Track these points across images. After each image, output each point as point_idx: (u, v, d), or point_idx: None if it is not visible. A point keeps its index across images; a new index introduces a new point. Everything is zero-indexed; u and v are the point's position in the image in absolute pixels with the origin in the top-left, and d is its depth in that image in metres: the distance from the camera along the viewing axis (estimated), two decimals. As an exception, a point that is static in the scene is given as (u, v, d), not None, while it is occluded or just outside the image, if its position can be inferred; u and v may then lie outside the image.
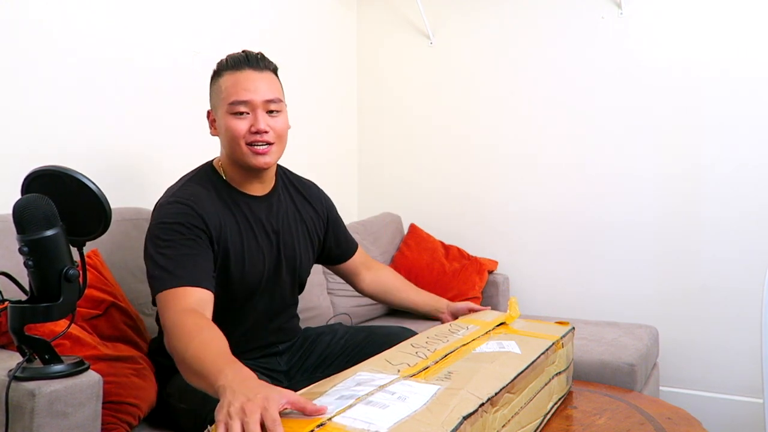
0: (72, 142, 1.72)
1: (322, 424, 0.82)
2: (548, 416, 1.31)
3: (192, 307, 1.21)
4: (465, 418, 0.87)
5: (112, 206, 1.14)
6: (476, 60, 2.78)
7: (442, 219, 2.84)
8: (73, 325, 1.22)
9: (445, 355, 1.19)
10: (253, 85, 1.38)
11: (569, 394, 1.53)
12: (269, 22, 2.43)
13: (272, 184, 1.53)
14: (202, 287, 1.26)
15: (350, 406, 0.87)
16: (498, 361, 1.15)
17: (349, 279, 1.79)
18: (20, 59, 1.60)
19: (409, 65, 2.92)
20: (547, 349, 1.30)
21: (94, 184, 1.11)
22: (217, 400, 0.94)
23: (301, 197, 1.61)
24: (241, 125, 1.38)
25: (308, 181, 1.69)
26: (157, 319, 1.47)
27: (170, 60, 2.00)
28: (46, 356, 1.09)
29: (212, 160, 1.50)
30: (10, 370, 1.07)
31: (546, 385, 1.28)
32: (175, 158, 1.96)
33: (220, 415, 0.89)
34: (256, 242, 1.45)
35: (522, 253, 2.70)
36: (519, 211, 2.72)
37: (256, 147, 1.38)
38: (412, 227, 2.81)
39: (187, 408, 1.30)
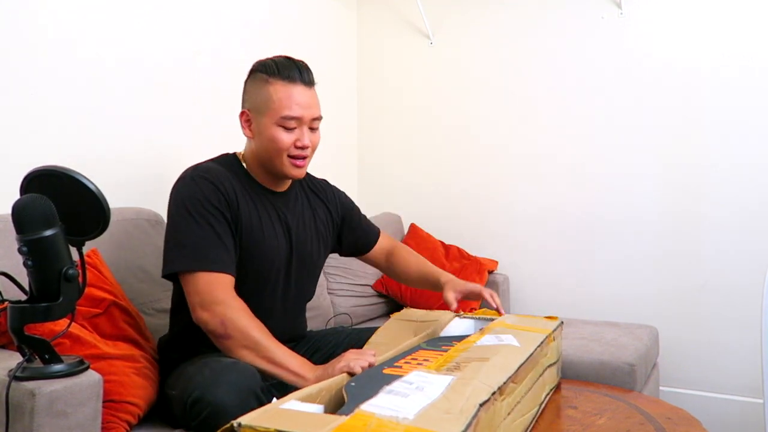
0: (71, 141, 1.72)
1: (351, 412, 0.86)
2: (543, 405, 1.37)
3: (232, 290, 1.34)
4: (481, 405, 0.92)
5: (112, 206, 1.15)
6: (476, 60, 2.78)
7: (442, 219, 2.84)
8: (73, 324, 1.22)
9: (446, 350, 1.24)
10: (306, 102, 1.44)
11: (559, 388, 1.58)
12: (269, 22, 2.43)
13: (289, 183, 1.58)
14: (229, 273, 1.35)
15: (374, 395, 0.93)
16: (501, 354, 1.20)
17: (379, 267, 1.84)
18: (21, 59, 1.60)
19: (409, 65, 2.92)
20: (542, 342, 1.35)
21: (92, 183, 1.11)
22: (196, 387, 1.16)
23: (316, 197, 1.65)
24: (288, 138, 1.43)
25: (320, 179, 1.72)
26: (175, 304, 1.51)
27: (171, 60, 2.00)
28: (46, 356, 1.09)
29: (234, 152, 1.54)
30: (10, 370, 1.07)
31: (540, 376, 1.34)
32: (176, 157, 1.96)
33: (335, 370, 1.17)
34: (273, 231, 1.48)
35: (522, 253, 2.70)
36: (519, 211, 2.72)
37: (295, 160, 1.45)
38: (412, 227, 2.81)
39: (176, 394, 1.30)
